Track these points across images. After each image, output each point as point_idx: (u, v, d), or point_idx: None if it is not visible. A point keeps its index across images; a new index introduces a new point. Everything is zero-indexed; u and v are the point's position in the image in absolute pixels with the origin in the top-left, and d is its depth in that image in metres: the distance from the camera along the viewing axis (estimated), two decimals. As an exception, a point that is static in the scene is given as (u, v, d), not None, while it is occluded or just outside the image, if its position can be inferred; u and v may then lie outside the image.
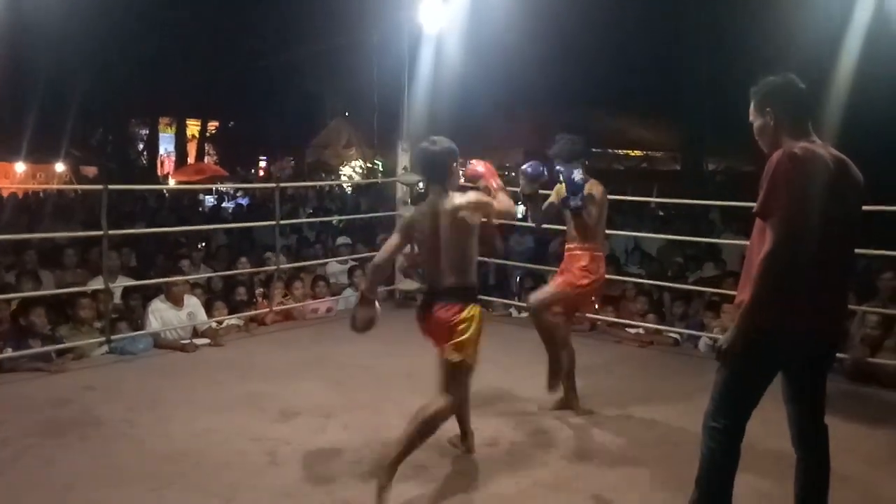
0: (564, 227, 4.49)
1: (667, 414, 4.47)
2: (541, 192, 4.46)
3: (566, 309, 4.48)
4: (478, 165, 3.74)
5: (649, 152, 18.13)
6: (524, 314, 6.43)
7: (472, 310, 3.34)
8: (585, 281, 4.27)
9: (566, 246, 4.42)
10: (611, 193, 4.59)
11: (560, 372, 4.34)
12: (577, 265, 4.29)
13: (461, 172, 3.67)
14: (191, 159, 27.31)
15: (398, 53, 7.43)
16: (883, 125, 11.66)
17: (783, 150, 2.56)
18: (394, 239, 3.54)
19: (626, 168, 18.35)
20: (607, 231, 4.53)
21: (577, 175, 4.15)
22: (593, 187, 4.26)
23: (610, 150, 18.19)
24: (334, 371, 5.20)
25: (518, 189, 4.41)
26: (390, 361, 5.44)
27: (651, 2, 15.71)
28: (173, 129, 28.74)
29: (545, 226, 4.71)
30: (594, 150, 17.32)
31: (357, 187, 16.96)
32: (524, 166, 4.38)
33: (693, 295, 6.52)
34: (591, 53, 16.90)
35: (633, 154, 18.42)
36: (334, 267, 7.96)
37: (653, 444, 4.02)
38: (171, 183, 21.73)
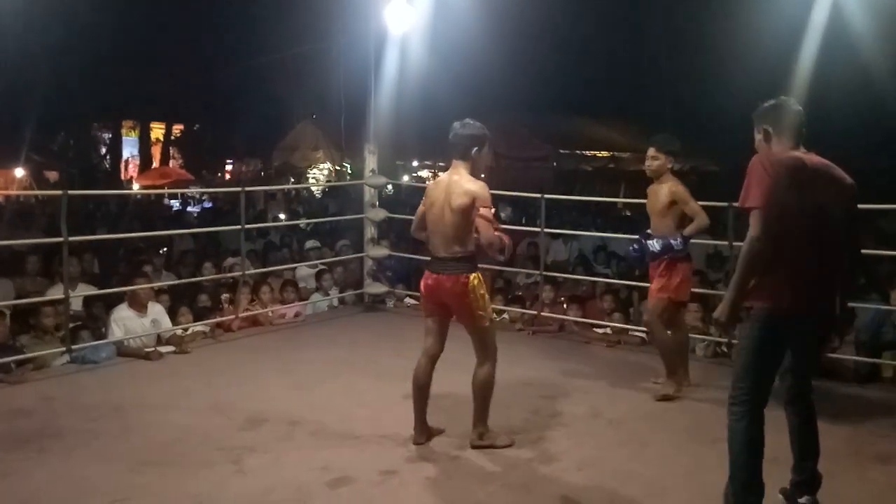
0: (531, 228, 4.57)
1: (634, 414, 4.51)
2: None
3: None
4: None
5: (616, 153, 18.28)
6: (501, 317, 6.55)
7: (475, 277, 3.78)
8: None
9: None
10: (579, 194, 4.81)
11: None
12: (659, 271, 4.73)
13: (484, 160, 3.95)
14: (156, 163, 26.89)
15: (364, 56, 7.40)
16: (839, 125, 11.94)
17: (759, 155, 3.01)
18: (420, 207, 3.98)
19: (593, 169, 18.50)
20: (576, 232, 4.70)
21: (656, 246, 4.70)
22: (674, 185, 4.67)
23: (577, 152, 18.31)
24: (301, 377, 5.15)
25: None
26: (358, 366, 5.41)
27: (614, 7, 15.92)
28: (136, 132, 28.29)
29: (515, 227, 4.86)
30: (562, 151, 17.45)
31: (325, 190, 16.85)
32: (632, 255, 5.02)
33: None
34: (556, 57, 17.06)
35: (600, 155, 18.56)
36: (303, 271, 7.90)
37: (620, 444, 4.05)
38: (135, 187, 21.38)
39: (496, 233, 3.80)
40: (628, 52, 17.08)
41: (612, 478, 3.61)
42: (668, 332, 4.85)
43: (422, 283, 3.93)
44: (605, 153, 18.46)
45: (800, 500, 3.10)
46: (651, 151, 4.77)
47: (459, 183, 3.77)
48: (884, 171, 11.94)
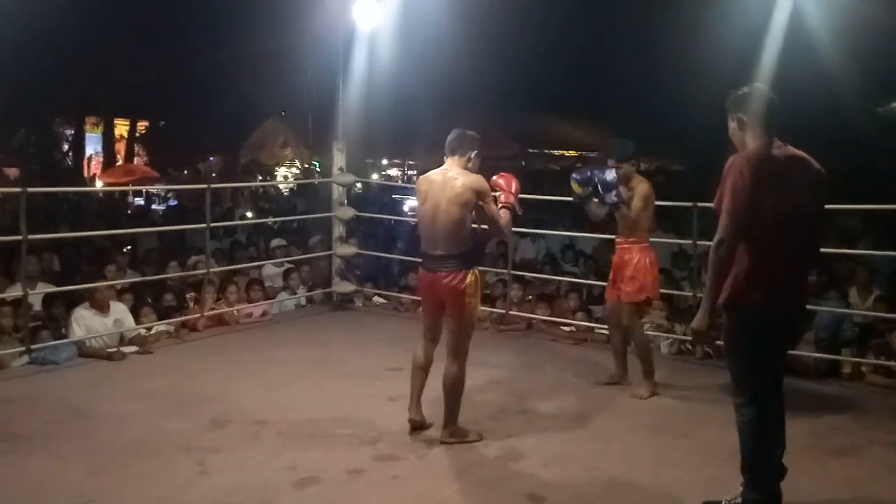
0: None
1: (599, 411, 4.54)
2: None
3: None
4: (500, 178, 4.06)
5: (584, 152, 18.45)
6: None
7: (472, 275, 3.80)
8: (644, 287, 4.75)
9: (616, 240, 4.87)
10: (547, 193, 4.81)
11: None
12: (627, 272, 4.72)
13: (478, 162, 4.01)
14: (120, 160, 26.40)
15: (333, 52, 7.35)
16: (803, 126, 12.16)
17: (737, 156, 3.00)
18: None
19: (561, 168, 18.64)
20: (544, 231, 4.69)
21: (610, 175, 4.59)
22: (639, 184, 4.71)
23: (546, 151, 18.43)
24: (268, 376, 5.10)
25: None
26: (326, 365, 5.38)
27: (581, 7, 16.04)
28: (100, 129, 27.73)
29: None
30: (530, 150, 17.54)
31: (293, 188, 16.73)
32: (573, 174, 4.90)
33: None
34: (524, 55, 17.14)
35: (568, 154, 18.71)
36: (270, 270, 7.83)
37: (586, 440, 4.08)
38: (99, 185, 20.97)
39: (504, 213, 3.89)
40: (595, 52, 17.22)
41: (578, 474, 3.64)
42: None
43: (417, 283, 3.98)
44: (573, 152, 18.62)
45: None
46: (611, 163, 4.79)
47: (456, 178, 3.82)
48: (845, 171, 12.18)
